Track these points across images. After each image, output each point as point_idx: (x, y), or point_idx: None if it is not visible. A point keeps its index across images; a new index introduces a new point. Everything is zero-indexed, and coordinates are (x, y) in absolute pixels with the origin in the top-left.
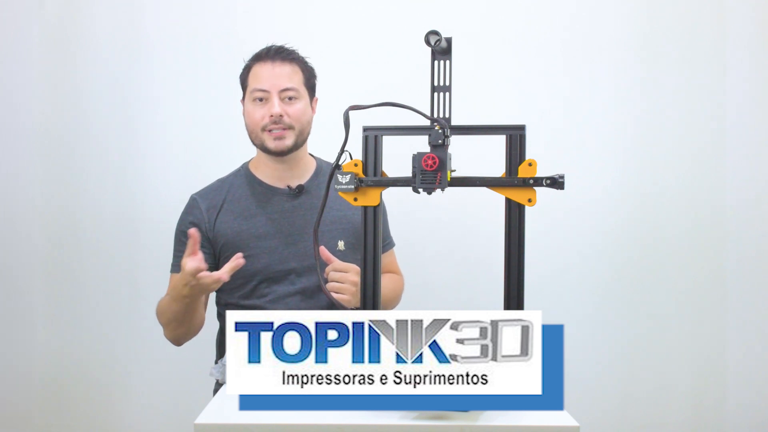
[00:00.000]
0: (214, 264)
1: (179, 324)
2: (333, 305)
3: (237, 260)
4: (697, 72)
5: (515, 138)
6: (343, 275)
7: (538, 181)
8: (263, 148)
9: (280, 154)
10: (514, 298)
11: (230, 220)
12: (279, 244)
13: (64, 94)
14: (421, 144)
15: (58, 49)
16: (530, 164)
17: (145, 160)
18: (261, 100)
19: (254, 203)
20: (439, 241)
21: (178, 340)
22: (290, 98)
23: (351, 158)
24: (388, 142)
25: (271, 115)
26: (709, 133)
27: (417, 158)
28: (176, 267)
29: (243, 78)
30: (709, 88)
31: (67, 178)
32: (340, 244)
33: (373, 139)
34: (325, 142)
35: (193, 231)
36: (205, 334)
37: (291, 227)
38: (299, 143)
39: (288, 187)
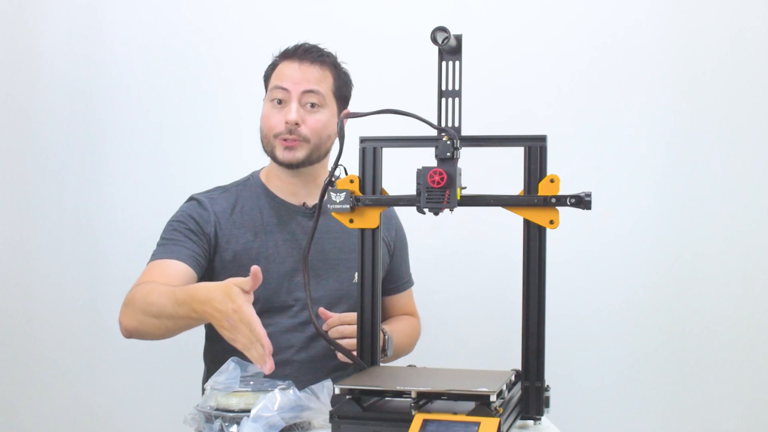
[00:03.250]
0: (207, 271)
1: (157, 320)
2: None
3: (255, 275)
4: (740, 74)
5: (535, 150)
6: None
7: (562, 200)
8: (273, 157)
9: (288, 167)
10: (533, 334)
11: (241, 234)
12: (288, 270)
13: (18, 105)
14: (427, 157)
15: (16, 49)
16: (552, 180)
17: (109, 176)
18: (280, 102)
19: (267, 219)
20: (447, 268)
21: (130, 333)
22: (312, 105)
23: (346, 173)
24: (389, 155)
25: (287, 122)
26: (759, 141)
27: (422, 173)
28: (166, 252)
29: (267, 76)
30: (756, 92)
31: (21, 195)
32: (357, 277)
33: (371, 151)
34: None
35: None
36: (187, 369)
37: (303, 252)
38: (314, 159)
39: (304, 204)
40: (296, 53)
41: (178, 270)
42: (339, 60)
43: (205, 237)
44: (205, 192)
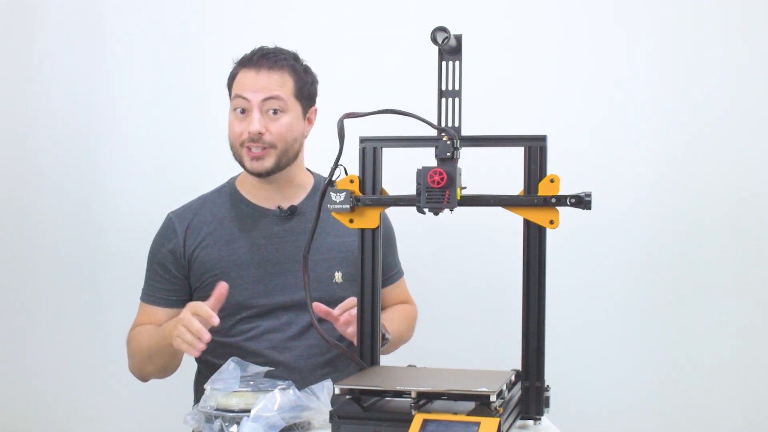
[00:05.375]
0: (189, 296)
1: (150, 361)
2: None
3: (220, 289)
4: (740, 71)
5: (535, 150)
6: (353, 314)
7: (562, 200)
8: (242, 166)
9: (258, 176)
10: (533, 334)
11: (210, 245)
12: (265, 273)
13: (17, 104)
14: (427, 157)
15: (15, 48)
16: (552, 180)
17: (109, 176)
18: (242, 111)
19: (238, 226)
20: (447, 268)
21: (144, 378)
22: (275, 111)
23: (346, 173)
24: (389, 155)
25: (249, 133)
26: (761, 142)
27: (422, 173)
28: (148, 296)
29: (228, 85)
30: (757, 89)
31: (21, 193)
32: (338, 276)
33: (371, 151)
34: (317, 155)
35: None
36: (180, 372)
37: (279, 254)
38: (283, 164)
39: (278, 207)
40: (252, 60)
41: (161, 317)
42: (299, 58)
43: (180, 265)
44: (181, 207)
